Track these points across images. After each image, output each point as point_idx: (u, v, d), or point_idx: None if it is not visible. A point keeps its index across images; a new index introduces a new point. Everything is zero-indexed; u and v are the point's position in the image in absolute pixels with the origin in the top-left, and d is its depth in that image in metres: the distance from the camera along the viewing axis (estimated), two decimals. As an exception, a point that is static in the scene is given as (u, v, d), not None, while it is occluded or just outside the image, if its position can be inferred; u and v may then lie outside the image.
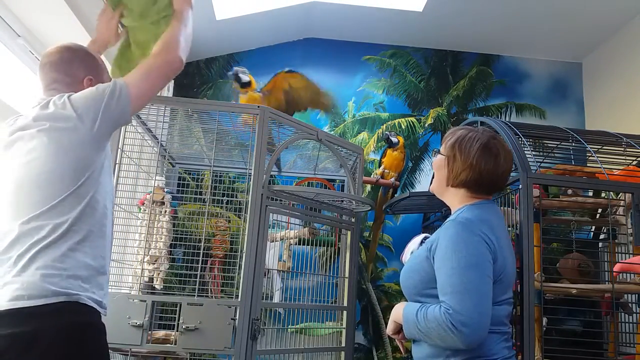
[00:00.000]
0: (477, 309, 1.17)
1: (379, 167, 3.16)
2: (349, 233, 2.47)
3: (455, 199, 1.42)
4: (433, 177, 1.50)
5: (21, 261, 1.18)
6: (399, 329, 1.35)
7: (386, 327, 3.18)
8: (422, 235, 1.53)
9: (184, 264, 2.30)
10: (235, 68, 2.58)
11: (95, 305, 1.25)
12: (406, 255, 1.53)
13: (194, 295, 2.02)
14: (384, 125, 3.51)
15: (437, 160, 1.47)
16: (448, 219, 1.36)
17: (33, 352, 1.11)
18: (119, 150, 2.15)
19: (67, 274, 1.20)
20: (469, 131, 1.43)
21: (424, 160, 3.50)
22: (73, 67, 1.44)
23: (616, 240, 2.17)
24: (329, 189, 2.86)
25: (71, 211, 1.25)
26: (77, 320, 1.20)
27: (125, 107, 1.35)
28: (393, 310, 1.37)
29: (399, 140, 3.12)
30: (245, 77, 2.55)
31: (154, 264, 2.22)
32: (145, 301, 1.95)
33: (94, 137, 1.31)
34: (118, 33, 1.65)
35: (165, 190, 2.34)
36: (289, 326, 2.30)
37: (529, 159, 1.96)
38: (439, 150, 1.49)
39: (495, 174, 1.38)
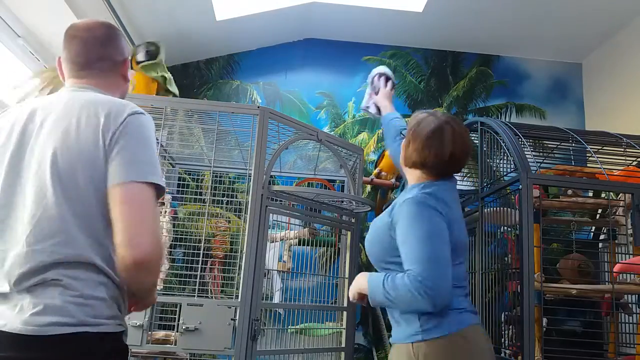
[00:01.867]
0: (441, 274, 1.30)
1: (375, 168, 3.14)
2: (349, 233, 2.47)
3: (413, 178, 1.54)
4: None
5: (54, 281, 1.03)
6: (362, 297, 1.48)
7: (385, 327, 3.24)
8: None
9: (184, 265, 2.30)
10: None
11: (124, 329, 1.14)
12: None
13: (194, 296, 2.02)
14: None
15: (402, 142, 1.59)
16: (403, 197, 1.45)
17: None
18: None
19: (102, 297, 1.07)
20: (428, 115, 1.52)
21: (423, 160, 3.50)
22: (120, 45, 1.29)
23: (616, 241, 2.17)
24: (329, 189, 2.85)
25: (106, 234, 1.09)
26: (118, 346, 1.11)
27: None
28: (356, 279, 1.50)
29: None
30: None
31: (154, 264, 2.21)
32: (145, 301, 1.95)
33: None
34: None
35: (165, 190, 2.34)
36: (289, 327, 2.29)
37: (529, 160, 1.96)
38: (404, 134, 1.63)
39: (441, 158, 1.45)
